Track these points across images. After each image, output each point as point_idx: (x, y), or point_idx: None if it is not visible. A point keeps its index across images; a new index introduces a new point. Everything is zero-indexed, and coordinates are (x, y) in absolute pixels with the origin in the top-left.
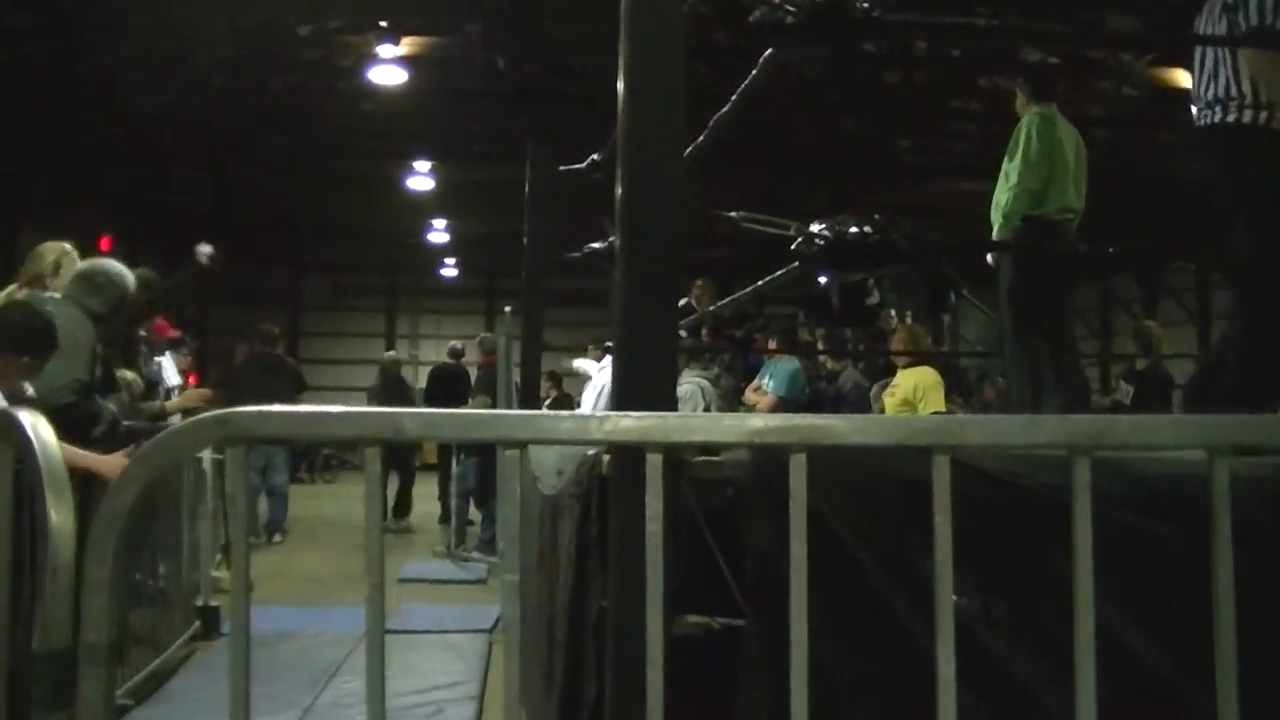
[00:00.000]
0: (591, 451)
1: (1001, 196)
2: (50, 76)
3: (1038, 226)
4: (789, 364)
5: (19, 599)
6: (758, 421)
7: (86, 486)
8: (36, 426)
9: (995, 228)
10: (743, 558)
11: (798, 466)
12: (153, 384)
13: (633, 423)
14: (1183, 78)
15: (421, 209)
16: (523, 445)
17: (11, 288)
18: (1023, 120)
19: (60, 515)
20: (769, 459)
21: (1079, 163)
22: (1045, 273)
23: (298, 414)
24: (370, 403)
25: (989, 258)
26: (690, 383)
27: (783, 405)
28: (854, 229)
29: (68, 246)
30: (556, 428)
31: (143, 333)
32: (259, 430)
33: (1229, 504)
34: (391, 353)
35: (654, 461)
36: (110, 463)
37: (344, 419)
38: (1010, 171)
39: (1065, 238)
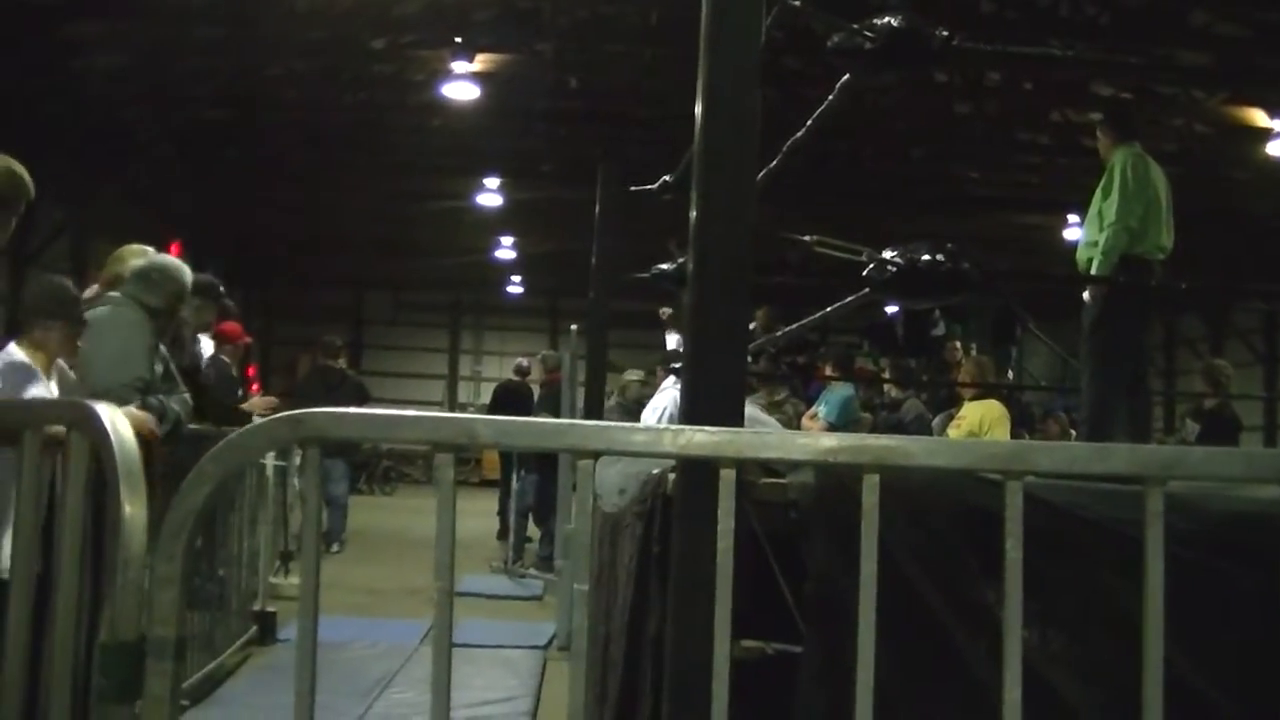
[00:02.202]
0: (656, 470)
1: (1096, 234)
2: (117, 89)
3: (1133, 264)
4: (843, 390)
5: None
6: (831, 441)
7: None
8: (115, 420)
9: (1094, 264)
10: (803, 580)
11: (870, 486)
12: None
13: (706, 437)
14: (1256, 115)
15: (488, 226)
16: (595, 455)
17: (92, 288)
18: (1115, 158)
19: (133, 508)
20: (834, 483)
21: (1168, 201)
22: (1132, 310)
23: (372, 416)
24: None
25: (1085, 294)
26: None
27: (833, 431)
28: (926, 256)
29: (150, 251)
30: (629, 439)
31: (210, 337)
32: (332, 431)
33: None
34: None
35: (727, 476)
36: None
37: (418, 422)
38: (1106, 210)
39: (1155, 276)
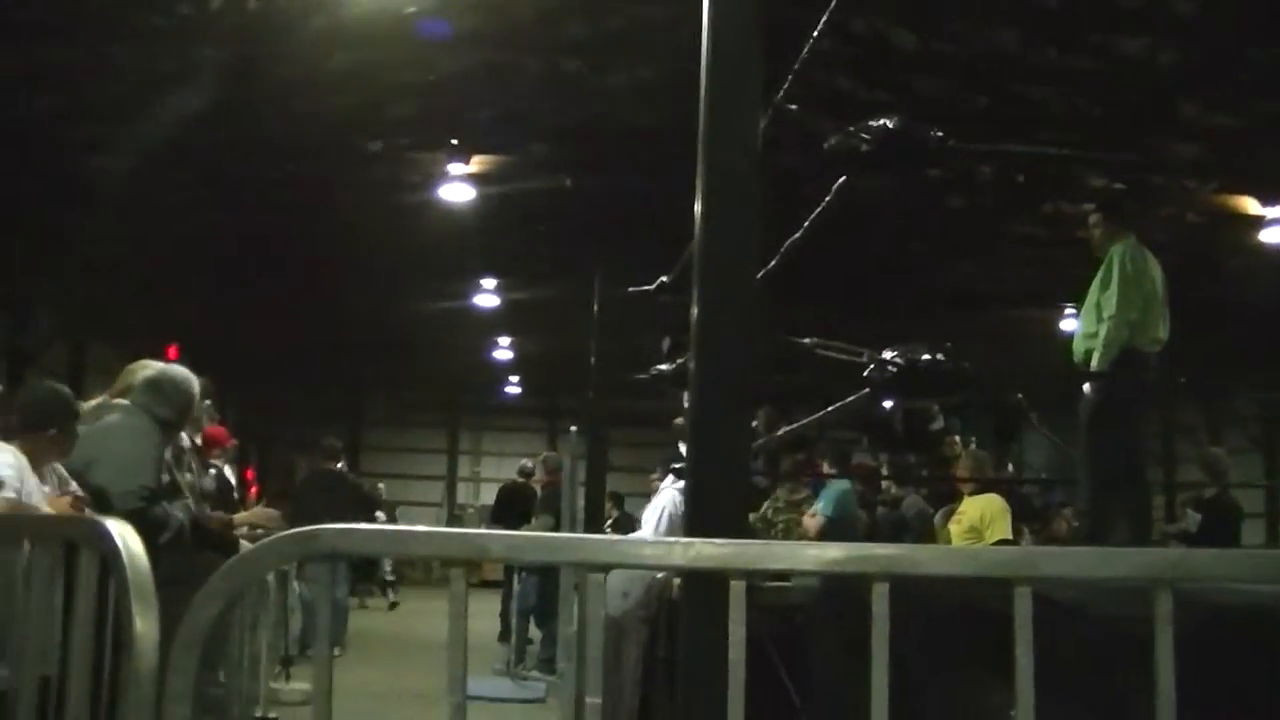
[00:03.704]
0: (660, 575)
1: (1093, 326)
2: (116, 191)
3: (1131, 356)
4: (838, 484)
5: (98, 704)
6: (838, 551)
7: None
8: (125, 536)
9: (1094, 357)
10: (810, 685)
11: (880, 595)
12: (205, 495)
13: (715, 550)
14: (1248, 204)
15: (485, 327)
16: (606, 569)
17: (100, 399)
18: (1113, 251)
19: (145, 624)
20: (839, 587)
21: (1165, 293)
22: (1130, 402)
23: (383, 532)
24: None
25: (1085, 386)
26: None
27: (830, 525)
28: (925, 356)
29: (159, 365)
30: (640, 553)
31: (196, 440)
32: (343, 547)
33: None
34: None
35: (737, 588)
36: (60, 504)
37: (429, 538)
38: (1105, 302)
39: (1151, 368)
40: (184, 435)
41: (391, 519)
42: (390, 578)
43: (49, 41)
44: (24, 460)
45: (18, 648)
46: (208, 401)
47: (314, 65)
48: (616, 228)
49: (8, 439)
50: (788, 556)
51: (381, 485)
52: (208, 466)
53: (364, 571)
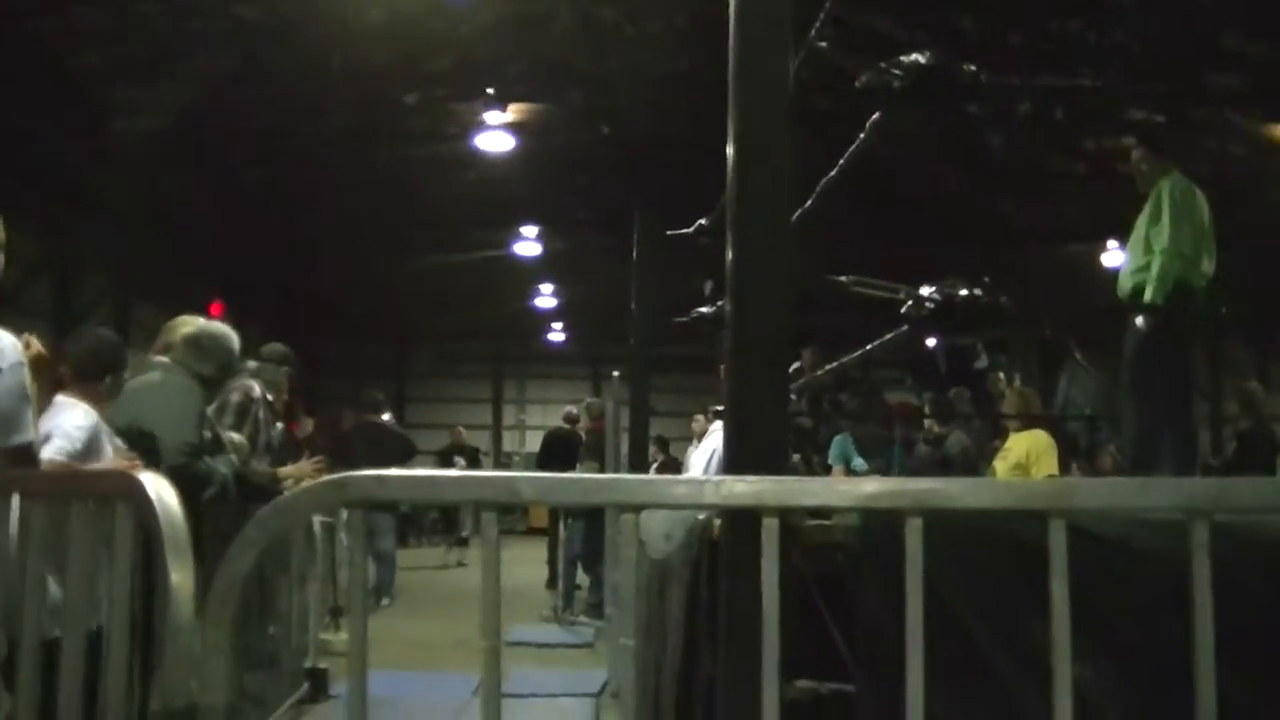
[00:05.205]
0: (701, 516)
1: (1140, 260)
2: (156, 152)
3: (1182, 289)
4: (838, 437)
5: (148, 656)
6: (872, 486)
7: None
8: (160, 489)
9: (1148, 291)
10: (853, 623)
11: (914, 530)
12: (271, 448)
13: (747, 487)
14: None
15: (527, 275)
16: (637, 509)
17: (140, 356)
18: (1161, 184)
19: (180, 577)
20: (880, 524)
21: (1211, 227)
22: (1179, 337)
23: (414, 478)
24: None
25: (1139, 320)
26: None
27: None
28: (963, 292)
29: (201, 321)
30: (671, 492)
31: (269, 397)
32: (376, 494)
33: None
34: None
35: (769, 525)
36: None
37: (461, 483)
38: (1154, 236)
39: (1199, 302)
40: (258, 389)
41: (474, 464)
42: (465, 534)
43: (84, 2)
44: (96, 418)
45: (63, 605)
46: (288, 368)
47: (348, 21)
48: (655, 173)
49: (58, 391)
50: (821, 492)
51: (462, 429)
52: (276, 422)
53: (444, 525)
